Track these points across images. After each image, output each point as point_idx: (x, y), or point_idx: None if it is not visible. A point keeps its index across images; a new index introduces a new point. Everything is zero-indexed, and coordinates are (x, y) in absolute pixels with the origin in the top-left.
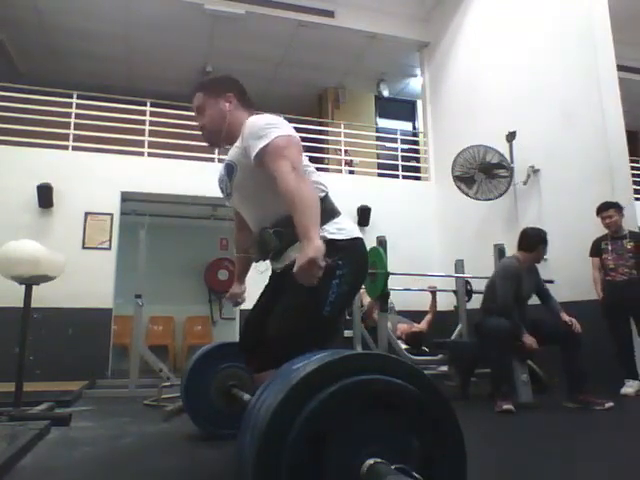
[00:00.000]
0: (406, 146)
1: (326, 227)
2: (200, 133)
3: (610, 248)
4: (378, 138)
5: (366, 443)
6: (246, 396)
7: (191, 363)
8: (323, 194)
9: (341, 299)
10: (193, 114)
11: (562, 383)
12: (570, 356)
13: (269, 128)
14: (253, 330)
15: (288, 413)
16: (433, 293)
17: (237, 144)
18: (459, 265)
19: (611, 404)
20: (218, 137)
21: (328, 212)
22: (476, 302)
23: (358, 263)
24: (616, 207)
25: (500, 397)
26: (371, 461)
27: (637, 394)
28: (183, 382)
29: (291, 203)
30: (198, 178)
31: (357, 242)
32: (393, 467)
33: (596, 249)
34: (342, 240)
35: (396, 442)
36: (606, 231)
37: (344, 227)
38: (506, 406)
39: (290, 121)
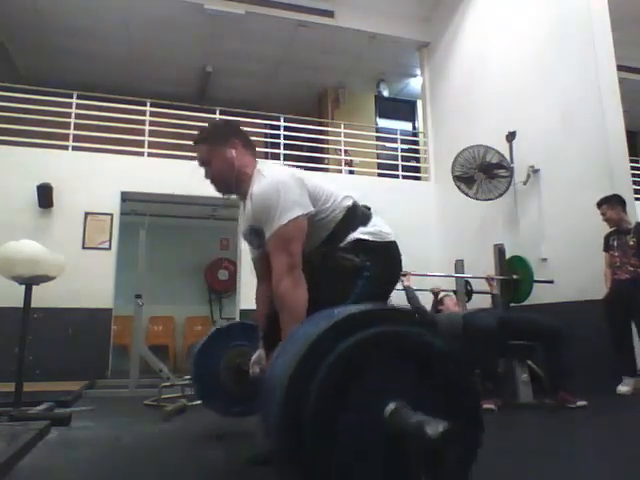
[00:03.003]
0: (406, 146)
1: (358, 230)
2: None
3: (616, 244)
4: (378, 138)
5: (388, 390)
6: None
7: (201, 343)
8: (350, 208)
9: (365, 299)
10: (194, 114)
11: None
12: (552, 354)
13: (276, 209)
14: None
15: (313, 359)
16: (435, 294)
17: (249, 207)
18: (459, 265)
19: (584, 403)
20: (230, 186)
21: (359, 218)
22: (476, 302)
23: (388, 266)
24: (610, 202)
25: (484, 396)
26: (393, 405)
27: (634, 392)
28: (193, 362)
29: (279, 305)
30: (198, 178)
31: (389, 245)
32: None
33: (605, 244)
34: (373, 242)
35: (417, 391)
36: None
37: (378, 230)
38: (486, 405)
39: (290, 121)
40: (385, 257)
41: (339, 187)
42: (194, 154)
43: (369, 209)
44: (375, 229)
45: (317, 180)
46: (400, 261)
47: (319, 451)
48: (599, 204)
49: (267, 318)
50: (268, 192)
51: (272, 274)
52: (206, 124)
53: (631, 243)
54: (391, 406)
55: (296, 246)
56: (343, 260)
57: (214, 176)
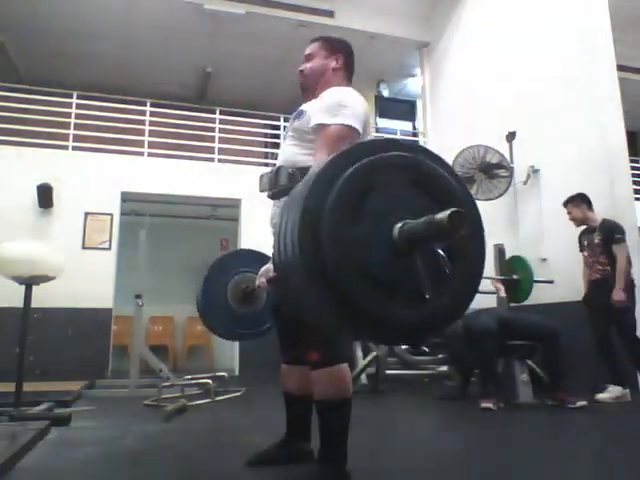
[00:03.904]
0: None
1: None
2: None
3: (586, 243)
4: None
5: (396, 211)
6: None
7: (207, 271)
8: None
9: None
10: (194, 114)
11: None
12: (551, 354)
13: (340, 109)
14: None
15: (324, 183)
16: None
17: (313, 102)
18: None
19: (584, 403)
20: (311, 86)
21: None
22: (477, 302)
23: None
24: (574, 201)
25: (483, 395)
26: (401, 223)
27: (616, 401)
28: (200, 289)
29: None
30: (198, 178)
31: None
32: None
33: (579, 244)
34: None
35: (420, 208)
36: None
37: None
38: (485, 404)
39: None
40: None
41: None
42: (194, 154)
43: None
44: None
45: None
46: None
47: (334, 261)
48: (564, 204)
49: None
50: (345, 95)
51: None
52: (205, 125)
53: (596, 241)
54: (399, 224)
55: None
56: None
57: (305, 71)
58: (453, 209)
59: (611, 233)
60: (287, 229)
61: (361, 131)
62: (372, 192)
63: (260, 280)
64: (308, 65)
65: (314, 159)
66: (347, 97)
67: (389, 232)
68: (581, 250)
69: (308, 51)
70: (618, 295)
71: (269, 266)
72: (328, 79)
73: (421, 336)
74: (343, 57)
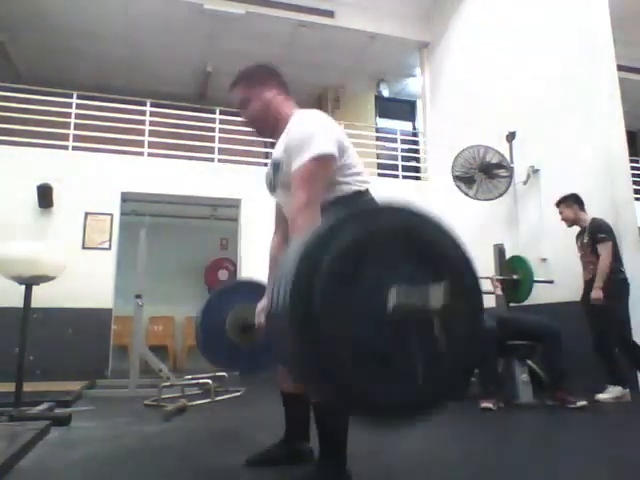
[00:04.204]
0: (406, 146)
1: None
2: (246, 126)
3: (579, 244)
4: (378, 138)
5: (391, 275)
6: None
7: (205, 301)
8: (362, 188)
9: None
10: (194, 114)
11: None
12: (551, 354)
13: (304, 145)
14: None
15: (318, 250)
16: None
17: (281, 141)
18: None
19: (584, 403)
20: (266, 127)
21: (367, 202)
22: None
23: None
24: (566, 202)
25: (483, 395)
26: (395, 288)
27: (616, 401)
28: (198, 320)
29: (294, 235)
30: (198, 178)
31: None
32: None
33: (577, 246)
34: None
35: (420, 280)
36: None
37: None
38: (485, 404)
39: None
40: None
41: None
42: (194, 154)
43: None
44: None
45: (351, 146)
46: None
47: (325, 328)
48: (557, 204)
49: (272, 259)
50: (305, 124)
51: (291, 210)
52: (205, 125)
53: (585, 241)
54: (394, 289)
55: (319, 185)
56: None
57: (251, 117)
58: (446, 284)
59: (596, 233)
60: (279, 300)
61: (335, 151)
62: (365, 263)
63: (259, 318)
64: (248, 112)
65: (293, 215)
66: (307, 127)
67: (383, 307)
68: (578, 251)
69: (238, 98)
70: (596, 294)
71: (266, 303)
72: (275, 111)
73: (408, 417)
74: (271, 80)
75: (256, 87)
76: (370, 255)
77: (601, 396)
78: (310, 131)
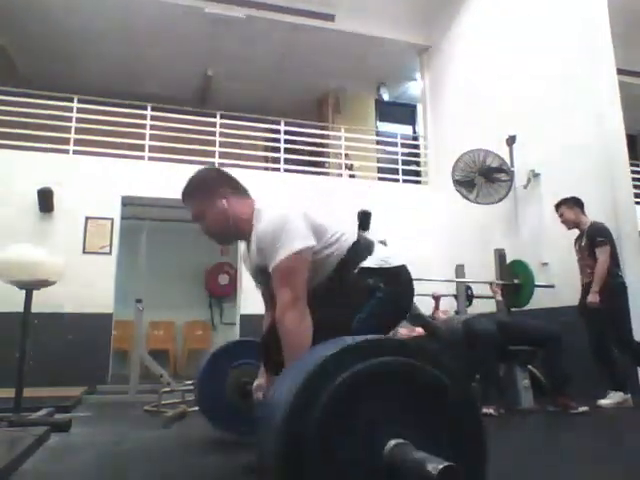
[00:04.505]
0: (406, 150)
1: (369, 259)
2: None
3: (577, 247)
4: (378, 142)
5: (389, 425)
6: None
7: (204, 362)
8: (354, 240)
9: (377, 318)
10: (194, 118)
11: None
12: (552, 359)
13: (275, 246)
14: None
15: (310, 394)
16: (436, 299)
17: (254, 246)
18: (460, 270)
19: (585, 408)
20: (228, 236)
21: (364, 251)
22: (477, 307)
23: (400, 288)
24: (567, 203)
25: (484, 401)
26: (393, 442)
27: (617, 406)
28: (197, 382)
29: (283, 338)
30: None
31: (400, 269)
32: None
33: (575, 250)
34: (386, 268)
35: (418, 425)
36: None
37: (387, 257)
38: (486, 410)
39: (290, 125)
40: (397, 280)
41: (340, 192)
42: (195, 158)
43: (369, 213)
44: (383, 256)
45: (321, 215)
46: (412, 282)
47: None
48: (557, 206)
49: (263, 342)
50: (271, 226)
51: (276, 308)
52: (206, 129)
53: (583, 244)
54: (391, 443)
55: (300, 279)
56: (356, 281)
57: (210, 230)
58: (445, 466)
59: (595, 236)
60: (265, 450)
61: (308, 243)
62: (361, 406)
63: (257, 396)
64: (207, 226)
65: (278, 315)
66: (275, 223)
67: (379, 456)
68: (576, 255)
69: (193, 212)
70: (593, 297)
71: (262, 381)
72: (234, 217)
73: None
74: (222, 187)
75: (208, 199)
76: (367, 397)
77: (602, 402)
78: (277, 230)
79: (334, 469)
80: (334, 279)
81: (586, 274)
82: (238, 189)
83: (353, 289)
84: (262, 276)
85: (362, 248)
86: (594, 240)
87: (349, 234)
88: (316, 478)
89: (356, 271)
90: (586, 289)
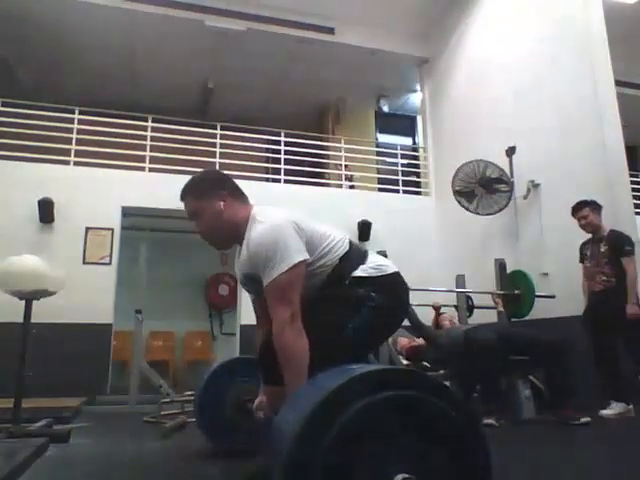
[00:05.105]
0: (406, 161)
1: (360, 268)
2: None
3: (589, 253)
4: (378, 153)
5: (395, 460)
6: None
7: (204, 379)
8: (347, 249)
9: (370, 327)
10: (195, 129)
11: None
12: (553, 370)
13: (270, 260)
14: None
15: (316, 430)
16: (436, 309)
17: (245, 253)
18: (460, 280)
19: (587, 419)
20: (221, 239)
21: (356, 259)
22: (478, 318)
23: (393, 296)
24: (591, 205)
25: (485, 412)
26: (400, 477)
27: (620, 417)
28: (197, 398)
29: (282, 356)
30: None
31: (392, 276)
32: None
33: (580, 255)
34: (375, 277)
35: (424, 458)
36: None
37: (379, 265)
38: (487, 420)
39: (291, 136)
40: (389, 288)
41: (340, 202)
42: (195, 169)
43: (369, 224)
44: (375, 265)
45: (313, 223)
46: (407, 290)
47: None
48: (579, 207)
49: (261, 358)
50: (265, 239)
51: (272, 324)
52: (207, 140)
53: (602, 250)
54: (399, 478)
55: (295, 294)
56: (346, 291)
57: (205, 230)
58: None
59: (621, 245)
60: (277, 454)
61: (301, 256)
62: (366, 439)
63: (258, 414)
64: (202, 225)
65: (275, 333)
66: (269, 236)
67: None
68: (581, 261)
69: (189, 210)
70: (633, 309)
71: (263, 399)
72: (229, 220)
73: None
74: (222, 189)
75: (206, 198)
76: (373, 431)
77: (605, 412)
78: (271, 244)
79: None
80: (325, 289)
81: (598, 282)
82: (237, 194)
83: (343, 299)
84: (250, 284)
85: (354, 257)
86: (620, 248)
87: (341, 242)
88: None
89: (347, 282)
90: (596, 297)
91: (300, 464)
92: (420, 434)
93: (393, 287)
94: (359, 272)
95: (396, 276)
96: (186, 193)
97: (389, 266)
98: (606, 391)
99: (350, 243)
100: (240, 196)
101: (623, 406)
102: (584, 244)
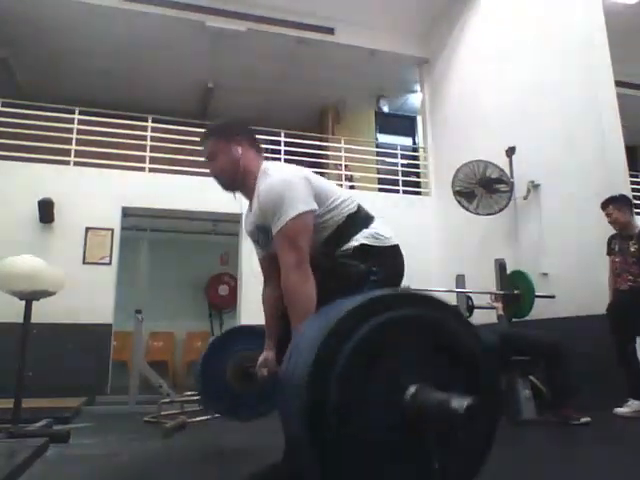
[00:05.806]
0: (406, 161)
1: (361, 234)
2: (214, 179)
3: (617, 248)
4: (378, 153)
5: (408, 373)
6: None
7: (206, 348)
8: (353, 210)
9: None
10: (195, 129)
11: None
12: (553, 370)
13: (280, 207)
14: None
15: (335, 342)
16: None
17: (256, 205)
18: (460, 280)
19: (587, 419)
20: (234, 182)
21: (362, 221)
22: (477, 318)
23: (393, 269)
24: (616, 202)
25: None
26: (414, 388)
27: (636, 415)
28: (199, 368)
29: (289, 300)
30: (199, 193)
31: (393, 249)
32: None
33: (608, 247)
34: (377, 247)
35: (436, 375)
36: None
37: (381, 234)
38: None
39: (291, 137)
40: (390, 261)
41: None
42: (195, 169)
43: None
44: (377, 232)
45: (322, 180)
46: (403, 264)
47: (342, 437)
48: (605, 204)
49: (280, 319)
50: (274, 189)
51: (280, 270)
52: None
53: (632, 249)
54: (412, 389)
55: (303, 241)
56: (348, 267)
57: (218, 171)
58: (471, 401)
59: None
60: (294, 376)
61: (310, 206)
62: (386, 352)
63: (261, 372)
64: (217, 167)
65: (283, 278)
66: (278, 187)
67: (400, 401)
68: (609, 254)
69: (207, 150)
70: None
71: (267, 355)
72: (244, 168)
73: None
74: (242, 136)
75: (226, 142)
76: (390, 347)
77: (620, 410)
78: (280, 188)
79: (356, 423)
80: (328, 256)
81: (624, 279)
82: (255, 145)
83: (345, 276)
84: (261, 236)
85: (360, 219)
86: None
87: (350, 201)
88: (342, 427)
89: (348, 248)
90: (622, 295)
91: (319, 375)
92: (434, 353)
93: (393, 260)
94: (361, 238)
95: (396, 249)
96: (207, 134)
97: (390, 237)
98: (628, 389)
99: (358, 206)
100: (257, 147)
101: (639, 404)
102: (612, 238)
